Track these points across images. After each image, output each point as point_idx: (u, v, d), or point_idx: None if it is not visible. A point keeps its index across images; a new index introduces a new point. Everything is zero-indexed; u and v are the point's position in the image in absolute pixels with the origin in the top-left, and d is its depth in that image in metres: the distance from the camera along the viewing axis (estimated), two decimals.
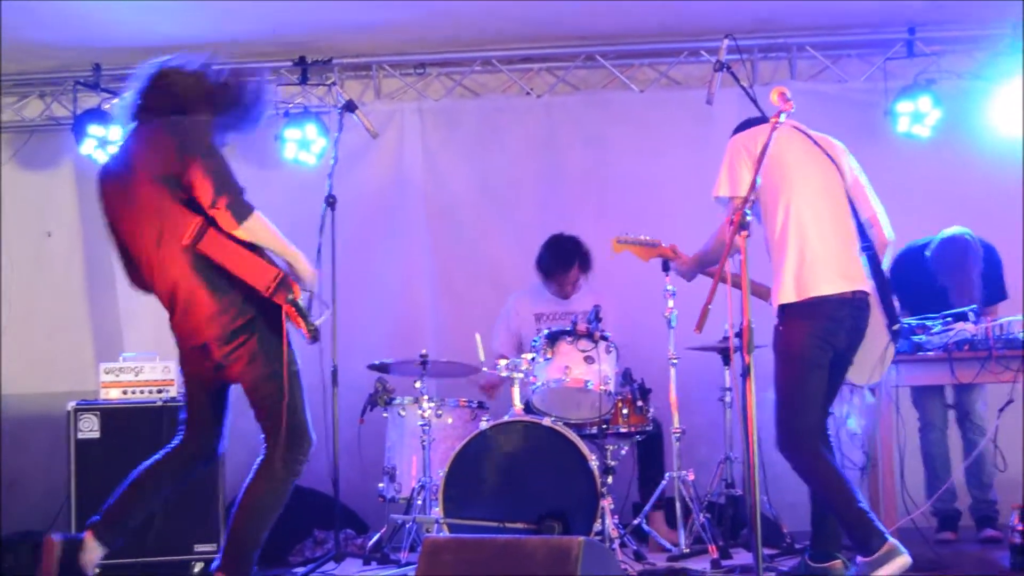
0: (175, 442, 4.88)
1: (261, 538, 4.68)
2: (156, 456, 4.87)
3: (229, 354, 4.60)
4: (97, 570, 6.04)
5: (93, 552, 4.69)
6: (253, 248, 4.57)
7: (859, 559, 4.79)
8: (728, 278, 4.43)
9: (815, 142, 5.17)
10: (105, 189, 4.79)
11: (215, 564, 4.70)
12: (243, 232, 4.50)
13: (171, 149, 4.57)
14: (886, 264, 5.22)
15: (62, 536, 4.66)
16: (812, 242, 4.92)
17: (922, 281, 6.54)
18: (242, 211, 4.49)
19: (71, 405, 6.29)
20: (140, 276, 4.78)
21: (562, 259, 7.11)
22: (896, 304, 5.23)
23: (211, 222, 4.52)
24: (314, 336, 4.58)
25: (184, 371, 4.88)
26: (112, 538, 4.77)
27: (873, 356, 5.07)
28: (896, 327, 5.13)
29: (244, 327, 4.57)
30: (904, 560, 4.67)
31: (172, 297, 4.65)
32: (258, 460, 4.69)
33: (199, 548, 6.18)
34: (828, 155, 5.14)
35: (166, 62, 4.79)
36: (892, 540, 4.70)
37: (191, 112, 4.70)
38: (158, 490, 4.86)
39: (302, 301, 4.56)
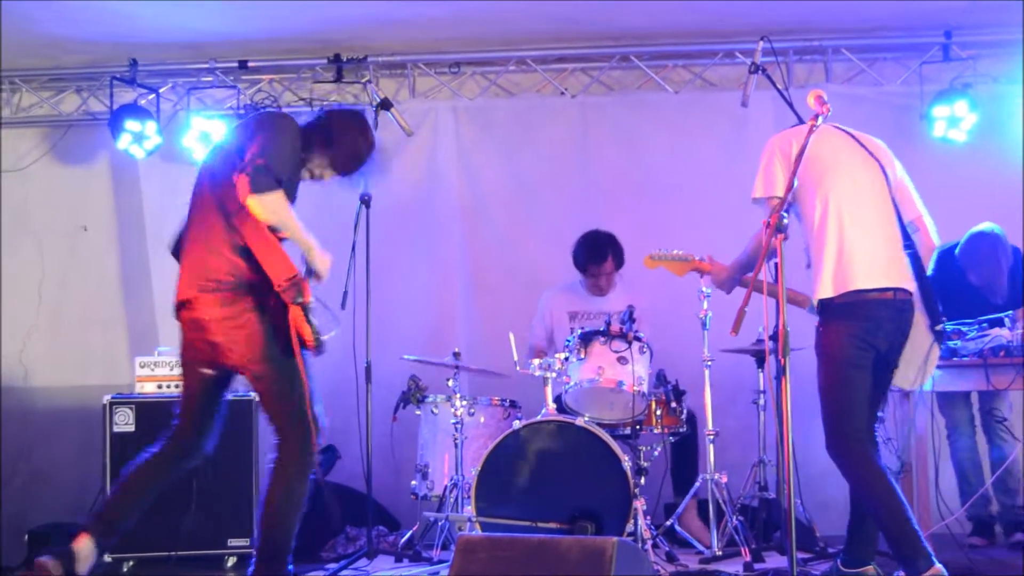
0: (166, 438, 4.84)
1: (291, 538, 4.68)
2: (146, 454, 4.84)
3: (221, 321, 4.58)
4: (131, 563, 6.12)
5: (88, 555, 4.65)
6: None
7: (902, 574, 4.71)
8: (764, 287, 4.39)
9: (858, 141, 5.06)
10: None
11: (250, 571, 4.71)
12: (257, 203, 4.44)
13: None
14: (929, 269, 5.07)
15: (52, 555, 4.57)
16: (851, 236, 4.80)
17: (953, 281, 6.45)
18: (262, 183, 4.46)
19: (107, 398, 6.36)
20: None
21: (596, 252, 7.09)
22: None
23: None
24: (317, 347, 4.57)
25: (182, 358, 4.83)
26: (108, 540, 4.76)
27: (918, 359, 4.92)
28: (939, 327, 4.93)
29: (240, 297, 4.57)
30: None
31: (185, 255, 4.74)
32: (270, 460, 4.70)
33: (233, 543, 6.24)
34: (872, 154, 5.02)
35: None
36: (938, 565, 4.59)
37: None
38: (151, 489, 4.83)
39: (312, 310, 4.53)
